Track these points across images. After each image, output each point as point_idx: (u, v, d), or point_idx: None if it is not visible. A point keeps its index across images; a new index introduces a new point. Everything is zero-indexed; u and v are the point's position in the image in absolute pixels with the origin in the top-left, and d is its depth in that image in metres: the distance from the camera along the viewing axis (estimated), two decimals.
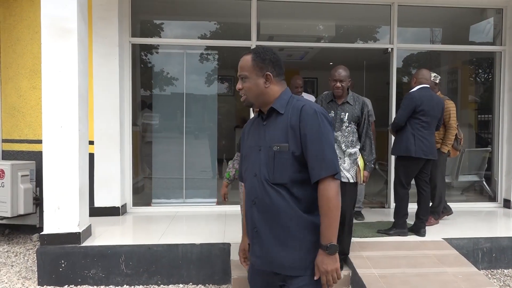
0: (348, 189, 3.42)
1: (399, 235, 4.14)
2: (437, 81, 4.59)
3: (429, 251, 3.82)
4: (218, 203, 5.58)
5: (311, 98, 5.12)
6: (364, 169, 3.52)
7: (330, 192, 1.63)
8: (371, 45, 6.18)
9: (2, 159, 5.18)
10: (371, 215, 4.98)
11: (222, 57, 6.20)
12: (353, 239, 4.02)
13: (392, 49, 5.57)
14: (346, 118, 3.47)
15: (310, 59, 8.63)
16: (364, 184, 3.57)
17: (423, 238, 4.11)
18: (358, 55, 7.48)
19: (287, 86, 1.83)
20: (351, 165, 3.45)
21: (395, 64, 5.57)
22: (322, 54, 8.09)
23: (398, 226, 4.19)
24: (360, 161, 3.50)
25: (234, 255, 3.76)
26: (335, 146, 2.89)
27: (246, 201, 1.81)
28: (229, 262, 3.76)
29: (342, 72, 3.49)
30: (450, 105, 4.56)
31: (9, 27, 5.15)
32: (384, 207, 5.66)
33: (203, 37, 5.90)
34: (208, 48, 5.96)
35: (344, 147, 3.46)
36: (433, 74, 4.51)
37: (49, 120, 3.72)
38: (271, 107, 1.75)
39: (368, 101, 4.77)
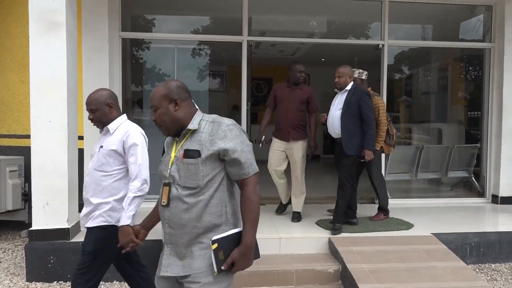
0: None
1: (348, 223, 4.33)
2: (363, 77, 4.47)
3: (418, 246, 3.85)
4: None
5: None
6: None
7: None
8: (362, 41, 6.19)
9: None
10: (362, 211, 5.00)
11: (213, 52, 6.17)
12: (344, 235, 4.05)
13: (383, 45, 5.58)
14: None
15: (302, 55, 8.63)
16: None
17: (413, 233, 4.15)
18: (349, 51, 7.49)
19: None
20: None
21: (386, 61, 5.59)
22: (314, 50, 8.09)
23: (341, 220, 4.18)
24: None
25: None
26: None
27: None
28: None
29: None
30: (379, 101, 4.42)
31: None
32: (374, 203, 5.68)
33: (194, 32, 5.87)
34: (199, 43, 5.93)
35: None
36: (358, 71, 4.43)
37: (37, 115, 3.67)
38: None
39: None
